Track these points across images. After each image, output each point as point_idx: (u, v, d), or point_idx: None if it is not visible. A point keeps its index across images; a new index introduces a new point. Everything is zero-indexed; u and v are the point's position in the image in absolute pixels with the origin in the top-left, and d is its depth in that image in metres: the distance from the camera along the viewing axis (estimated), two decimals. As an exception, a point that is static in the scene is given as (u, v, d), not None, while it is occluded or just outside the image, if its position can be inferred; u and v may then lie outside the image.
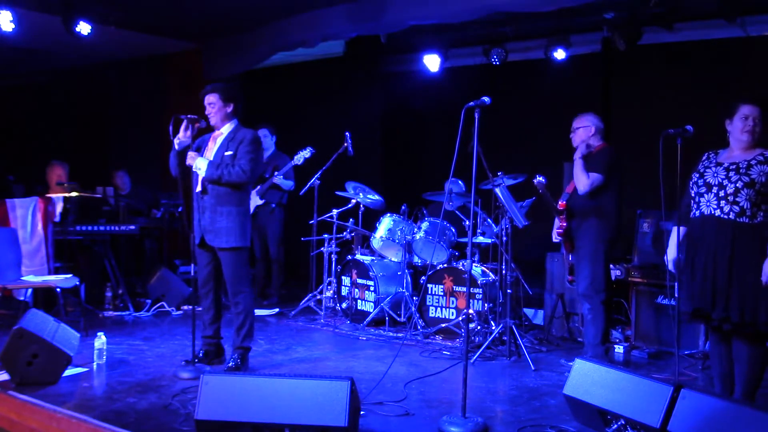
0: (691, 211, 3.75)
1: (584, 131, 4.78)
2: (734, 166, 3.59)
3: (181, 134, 4.40)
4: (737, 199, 3.54)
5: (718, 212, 3.60)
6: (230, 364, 4.44)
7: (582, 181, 4.63)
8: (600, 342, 4.64)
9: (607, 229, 4.62)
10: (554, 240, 4.86)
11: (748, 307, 3.49)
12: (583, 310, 4.79)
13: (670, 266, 3.90)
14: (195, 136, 4.50)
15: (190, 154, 4.39)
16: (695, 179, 3.73)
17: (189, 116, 4.38)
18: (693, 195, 3.73)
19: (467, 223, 6.02)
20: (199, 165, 4.37)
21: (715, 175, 3.64)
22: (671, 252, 3.87)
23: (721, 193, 3.59)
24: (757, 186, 3.51)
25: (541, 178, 4.66)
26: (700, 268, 3.67)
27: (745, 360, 3.61)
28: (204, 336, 4.65)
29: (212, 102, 4.45)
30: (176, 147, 4.41)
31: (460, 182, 6.23)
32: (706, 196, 3.65)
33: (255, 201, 6.61)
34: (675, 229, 3.84)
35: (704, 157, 3.78)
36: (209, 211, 4.41)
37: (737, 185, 3.54)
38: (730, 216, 3.56)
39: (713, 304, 3.59)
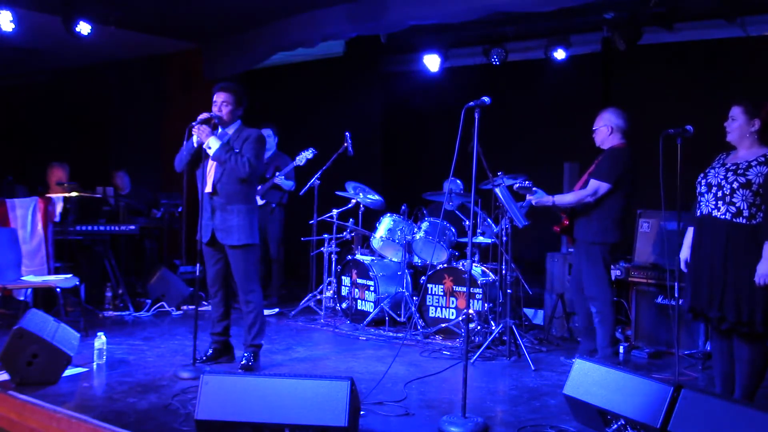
0: (696, 211, 3.77)
1: (604, 130, 4.66)
2: (734, 167, 3.61)
3: (195, 135, 4.41)
4: (733, 200, 3.55)
5: (715, 212, 3.62)
6: (243, 363, 4.47)
7: (578, 197, 4.58)
8: (609, 344, 4.61)
9: (607, 232, 4.56)
10: (553, 229, 4.87)
11: (744, 307, 3.50)
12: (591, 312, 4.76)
13: (682, 266, 3.93)
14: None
15: (202, 127, 4.34)
16: (699, 179, 3.75)
17: (199, 120, 4.36)
18: (696, 195, 3.75)
19: (467, 223, 6.01)
20: (211, 144, 4.34)
21: (716, 175, 3.66)
22: (683, 252, 3.90)
23: (719, 194, 3.61)
24: (754, 187, 3.52)
25: (523, 183, 4.63)
26: (697, 268, 3.70)
27: (745, 359, 3.62)
28: (212, 333, 4.68)
29: (226, 101, 4.46)
30: (194, 144, 4.42)
31: (458, 182, 6.23)
32: (706, 196, 3.68)
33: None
34: (690, 229, 3.86)
35: (716, 158, 3.80)
36: (219, 210, 4.43)
37: (733, 186, 3.56)
38: (726, 216, 3.57)
39: (709, 304, 3.61)
